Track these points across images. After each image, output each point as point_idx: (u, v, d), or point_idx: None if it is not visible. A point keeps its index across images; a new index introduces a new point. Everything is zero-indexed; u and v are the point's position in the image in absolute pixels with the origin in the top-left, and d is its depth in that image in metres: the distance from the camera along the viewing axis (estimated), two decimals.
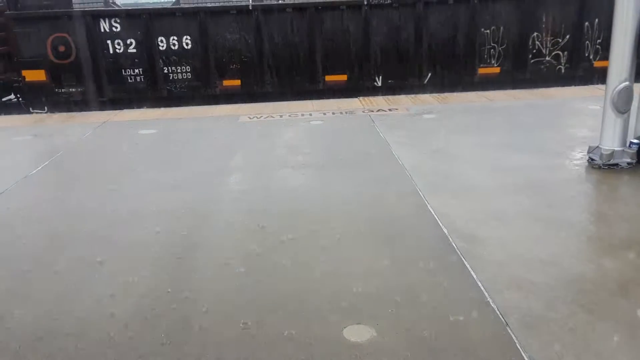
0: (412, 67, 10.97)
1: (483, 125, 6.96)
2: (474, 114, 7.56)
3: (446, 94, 8.94)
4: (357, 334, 2.80)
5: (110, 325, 2.97)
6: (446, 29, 11.02)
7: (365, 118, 7.51)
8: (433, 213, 4.32)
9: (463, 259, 3.54)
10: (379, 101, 8.63)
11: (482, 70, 11.31)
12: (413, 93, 9.32)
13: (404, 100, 8.62)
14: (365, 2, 11.03)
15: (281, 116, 7.81)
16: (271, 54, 11.08)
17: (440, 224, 4.12)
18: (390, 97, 9.02)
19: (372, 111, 7.86)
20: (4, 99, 12.32)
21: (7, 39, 11.95)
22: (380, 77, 11.03)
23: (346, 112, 7.89)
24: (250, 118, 7.75)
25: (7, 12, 11.18)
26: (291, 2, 11.84)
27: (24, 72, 11.04)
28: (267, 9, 11.61)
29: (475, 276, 3.31)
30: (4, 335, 2.93)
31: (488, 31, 11.22)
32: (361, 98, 8.91)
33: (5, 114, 10.96)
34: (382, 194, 4.78)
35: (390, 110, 7.94)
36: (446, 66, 11.00)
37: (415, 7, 10.98)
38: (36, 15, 10.98)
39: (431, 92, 9.46)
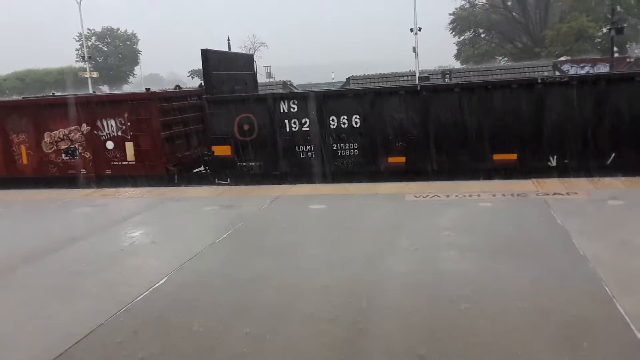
0: (592, 147, 10.15)
1: None
2: None
3: (635, 178, 8.08)
4: None
5: None
6: (633, 107, 10.10)
7: (539, 202, 7.07)
8: (624, 315, 3.84)
9: None
10: (555, 184, 8.09)
11: None
12: (593, 176, 8.55)
13: (583, 184, 7.97)
14: (539, 80, 10.66)
15: (447, 196, 7.70)
16: (437, 132, 11.10)
17: (635, 330, 3.64)
18: (567, 179, 8.40)
19: (547, 194, 7.38)
20: (194, 170, 13.96)
21: (202, 118, 13.69)
22: (555, 157, 10.37)
23: (517, 195, 7.52)
24: (416, 197, 7.76)
25: (205, 95, 12.86)
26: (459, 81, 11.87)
27: (214, 147, 12.44)
28: (435, 89, 11.79)
29: None
30: None
31: None
32: (534, 180, 8.44)
33: (194, 183, 12.39)
34: (562, 289, 4.38)
35: (568, 194, 7.38)
36: (634, 146, 9.98)
37: (597, 84, 10.31)
38: (228, 99, 12.45)
39: (615, 175, 8.58)
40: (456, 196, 7.67)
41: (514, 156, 10.56)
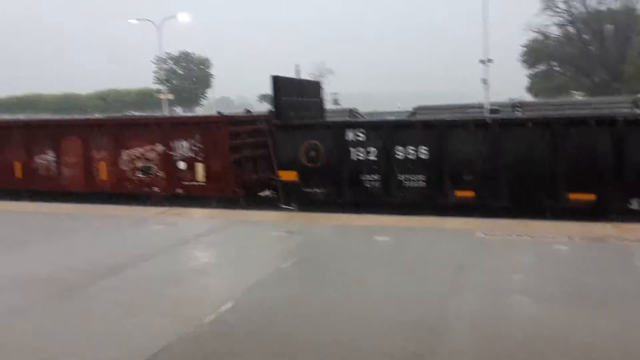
0: None
1: None
2: None
3: None
4: None
5: None
6: None
7: (619, 248, 6.67)
8: None
9: None
10: (637, 229, 7.62)
11: None
12: None
13: None
14: (620, 118, 10.17)
15: (519, 235, 7.41)
16: (508, 167, 10.76)
17: None
18: None
19: (628, 240, 6.96)
20: (260, 194, 14.20)
21: (270, 142, 13.94)
22: (637, 200, 9.78)
23: (595, 238, 7.13)
24: (485, 234, 7.52)
25: (273, 121, 13.15)
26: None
27: (280, 172, 12.63)
28: (507, 123, 11.50)
29: None
30: None
31: None
32: (614, 223, 7.99)
33: (260, 207, 12.60)
34: None
35: None
36: None
37: None
38: (295, 125, 12.66)
39: None
40: (529, 236, 7.37)
41: (591, 196, 10.04)
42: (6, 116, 57.65)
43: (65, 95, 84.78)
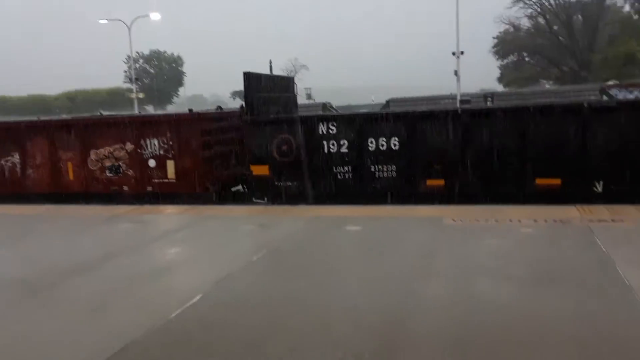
0: None
1: None
2: None
3: None
4: None
5: None
6: None
7: (583, 229, 6.82)
8: None
9: None
10: (600, 210, 7.80)
11: None
12: None
13: (631, 211, 7.66)
14: (585, 105, 10.37)
15: (487, 221, 7.52)
16: (478, 155, 10.90)
17: None
18: (613, 206, 8.09)
19: (592, 221, 7.12)
20: (232, 189, 14.12)
21: (242, 138, 13.87)
22: (601, 183, 10.01)
23: (560, 221, 7.28)
24: (454, 221, 7.61)
25: (244, 116, 13.07)
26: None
27: (252, 167, 12.58)
28: (476, 113, 11.61)
29: None
30: None
31: None
32: (578, 206, 8.16)
33: (232, 202, 12.53)
34: (604, 319, 4.19)
35: (614, 221, 7.11)
36: None
37: None
38: (267, 120, 12.61)
39: None
40: (496, 221, 7.48)
41: (557, 181, 10.23)
42: None
43: (32, 97, 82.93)
